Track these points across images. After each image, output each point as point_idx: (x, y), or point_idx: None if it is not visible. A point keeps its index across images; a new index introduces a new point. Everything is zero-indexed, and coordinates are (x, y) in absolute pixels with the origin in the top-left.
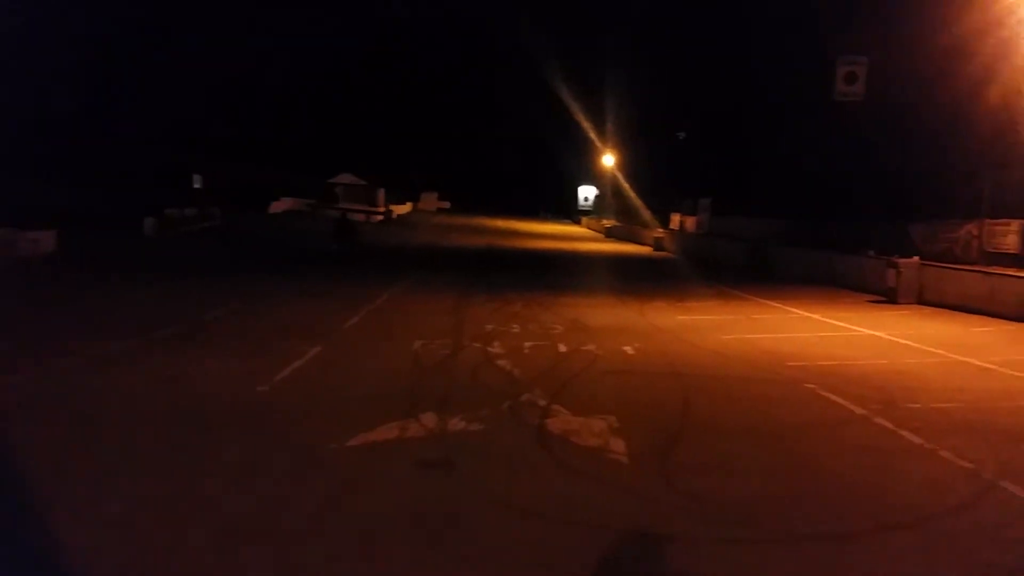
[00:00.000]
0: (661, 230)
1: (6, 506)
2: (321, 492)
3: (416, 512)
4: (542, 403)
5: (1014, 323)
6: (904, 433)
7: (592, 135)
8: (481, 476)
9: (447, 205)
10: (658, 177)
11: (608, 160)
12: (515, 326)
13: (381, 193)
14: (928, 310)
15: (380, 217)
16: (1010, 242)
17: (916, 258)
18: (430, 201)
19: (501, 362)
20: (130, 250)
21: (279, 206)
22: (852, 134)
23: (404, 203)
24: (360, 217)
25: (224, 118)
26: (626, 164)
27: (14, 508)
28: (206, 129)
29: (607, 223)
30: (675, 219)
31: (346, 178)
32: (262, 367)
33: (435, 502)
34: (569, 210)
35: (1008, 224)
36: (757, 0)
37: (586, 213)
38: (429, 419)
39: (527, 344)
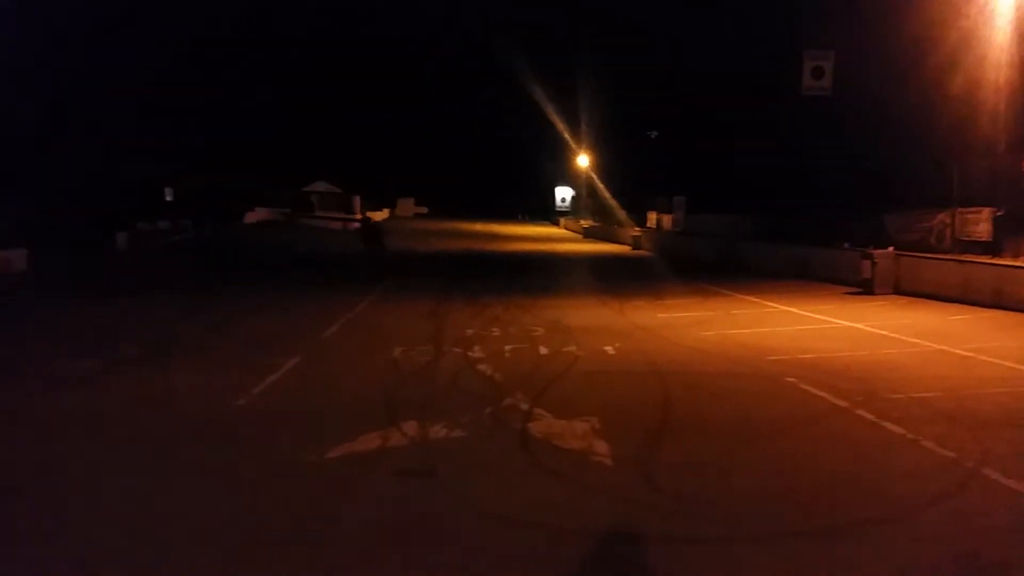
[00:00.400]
0: (638, 229)
1: None
2: (300, 505)
3: (396, 522)
4: (524, 407)
5: (989, 310)
6: (886, 424)
7: (567, 136)
8: (463, 483)
9: (425, 211)
10: (633, 176)
11: (583, 161)
12: (495, 329)
13: (357, 200)
14: (905, 300)
15: (357, 224)
16: (982, 230)
17: (891, 248)
18: (407, 207)
19: (482, 367)
20: (103, 267)
21: (253, 216)
22: (825, 127)
23: (381, 210)
24: (336, 225)
25: (194, 128)
26: (601, 164)
27: None
28: (176, 140)
29: (584, 223)
30: (652, 217)
31: (321, 186)
32: (239, 381)
33: (416, 511)
34: (547, 212)
35: (979, 212)
36: None
37: (564, 214)
38: (410, 427)
39: (508, 347)
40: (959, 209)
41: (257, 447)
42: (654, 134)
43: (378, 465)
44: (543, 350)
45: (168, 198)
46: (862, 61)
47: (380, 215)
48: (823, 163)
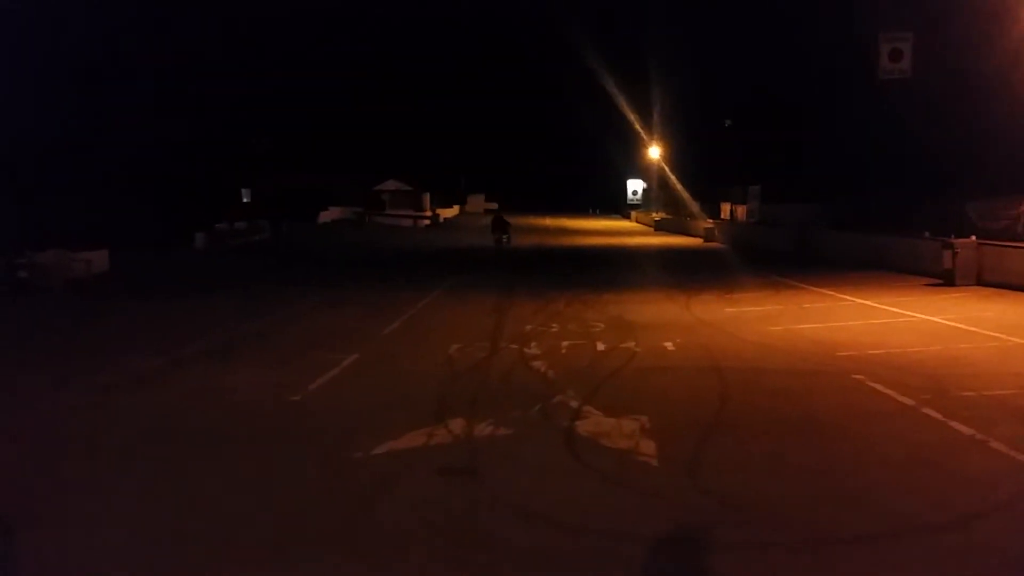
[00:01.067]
0: (710, 220)
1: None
2: (338, 501)
3: (433, 521)
4: (574, 404)
5: None
6: (953, 424)
7: (638, 127)
8: (503, 483)
9: (495, 206)
10: (706, 167)
11: (654, 152)
12: (555, 325)
13: (427, 197)
14: (987, 291)
15: (427, 221)
16: None
17: (973, 237)
18: (477, 203)
19: (537, 363)
20: (181, 266)
21: (327, 215)
22: (904, 111)
23: (451, 207)
24: (407, 223)
25: (268, 130)
26: (673, 156)
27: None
28: (250, 143)
29: (656, 216)
30: (725, 208)
31: (392, 184)
32: (296, 377)
33: (453, 511)
34: (618, 205)
35: None
36: None
37: (635, 207)
38: (457, 425)
39: (565, 344)
40: None
41: (305, 443)
42: (728, 123)
43: (420, 463)
44: (600, 346)
45: (245, 199)
46: (937, 41)
47: (450, 212)
48: (903, 149)
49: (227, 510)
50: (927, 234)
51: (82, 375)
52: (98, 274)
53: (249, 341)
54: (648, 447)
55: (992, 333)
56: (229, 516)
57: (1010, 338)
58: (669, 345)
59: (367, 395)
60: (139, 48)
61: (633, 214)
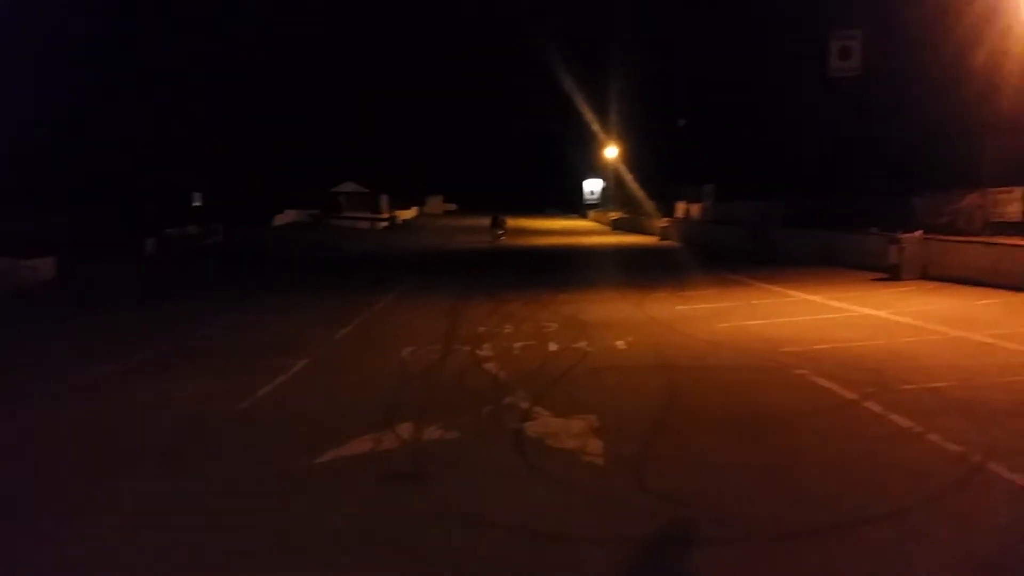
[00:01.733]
0: (666, 219)
1: None
2: (281, 511)
3: (375, 530)
4: (524, 406)
5: (1018, 293)
6: (894, 417)
7: (595, 128)
8: (450, 488)
9: (453, 207)
10: (662, 166)
11: (611, 152)
12: (508, 327)
13: (384, 199)
14: (932, 285)
15: (385, 223)
16: (1013, 210)
17: (919, 232)
18: (436, 204)
19: (489, 365)
20: (130, 272)
21: (282, 219)
22: (853, 109)
23: (409, 208)
24: (364, 225)
25: (221, 133)
26: (629, 155)
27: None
28: (203, 145)
29: (613, 215)
30: (680, 207)
31: (349, 186)
32: (243, 385)
33: (397, 518)
34: (576, 204)
35: (1011, 192)
36: None
37: (593, 206)
38: (405, 429)
39: (518, 345)
40: (989, 189)
41: (249, 451)
42: (682, 122)
43: (366, 469)
44: (553, 347)
45: (196, 203)
46: (887, 39)
47: (409, 213)
48: (853, 147)
49: (167, 523)
50: (874, 230)
51: (26, 385)
52: (45, 281)
53: (197, 348)
54: (596, 447)
55: (934, 327)
56: (168, 529)
57: (951, 331)
58: (621, 344)
59: (315, 401)
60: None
61: (591, 213)
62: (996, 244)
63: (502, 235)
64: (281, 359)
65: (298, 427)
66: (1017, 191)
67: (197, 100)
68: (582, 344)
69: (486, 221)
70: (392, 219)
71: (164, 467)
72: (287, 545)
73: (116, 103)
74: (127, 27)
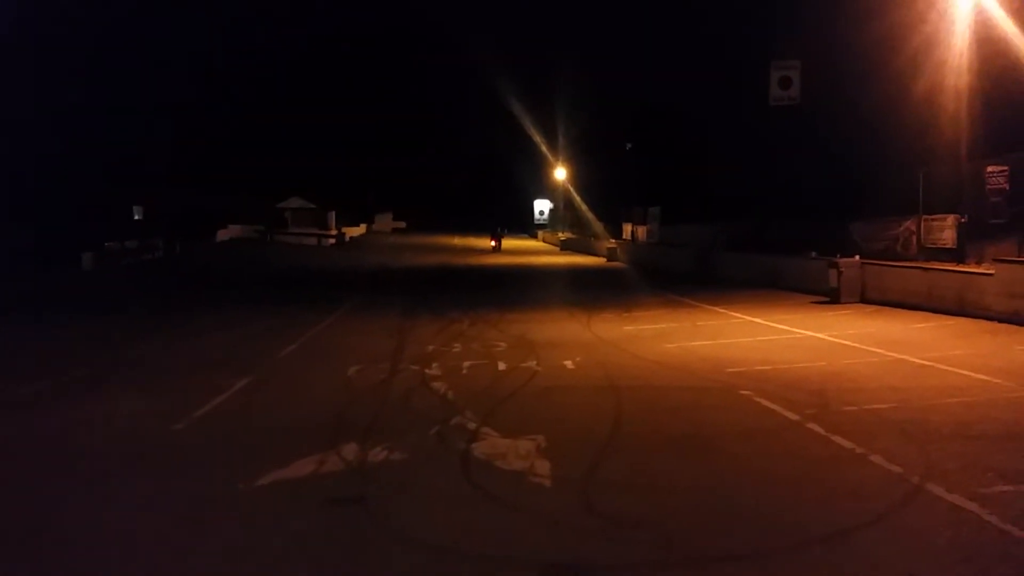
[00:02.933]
0: (613, 241)
1: None
2: (219, 537)
3: (318, 555)
4: (472, 426)
5: (953, 317)
6: (835, 438)
7: (544, 149)
8: (394, 511)
9: (403, 225)
10: (610, 188)
11: (560, 174)
12: (457, 345)
13: (332, 215)
14: (870, 308)
15: (332, 240)
16: (947, 237)
17: (857, 257)
18: (385, 222)
19: (437, 384)
20: (66, 287)
21: (225, 234)
22: (797, 136)
23: (358, 225)
24: (311, 241)
25: (165, 146)
26: (578, 176)
27: None
28: (146, 159)
29: (562, 236)
30: (627, 229)
31: (295, 202)
32: (181, 404)
33: (340, 542)
34: (526, 225)
35: (944, 219)
36: (694, 10)
37: (542, 227)
38: (349, 451)
39: (467, 364)
40: (924, 216)
41: (184, 474)
42: (629, 146)
43: (307, 493)
44: (502, 366)
45: (137, 217)
46: (831, 68)
47: (357, 231)
48: (796, 172)
49: (92, 551)
50: (814, 254)
51: None
52: None
53: (133, 366)
54: (543, 467)
55: (873, 348)
56: (98, 560)
57: (889, 353)
58: (569, 363)
59: (256, 422)
60: (23, 57)
61: (540, 234)
62: (931, 269)
63: (496, 246)
64: (221, 377)
65: (237, 448)
66: (950, 218)
67: (139, 113)
68: (531, 363)
69: (436, 239)
70: (340, 236)
71: (93, 489)
72: (223, 572)
73: (55, 115)
74: (66, 39)
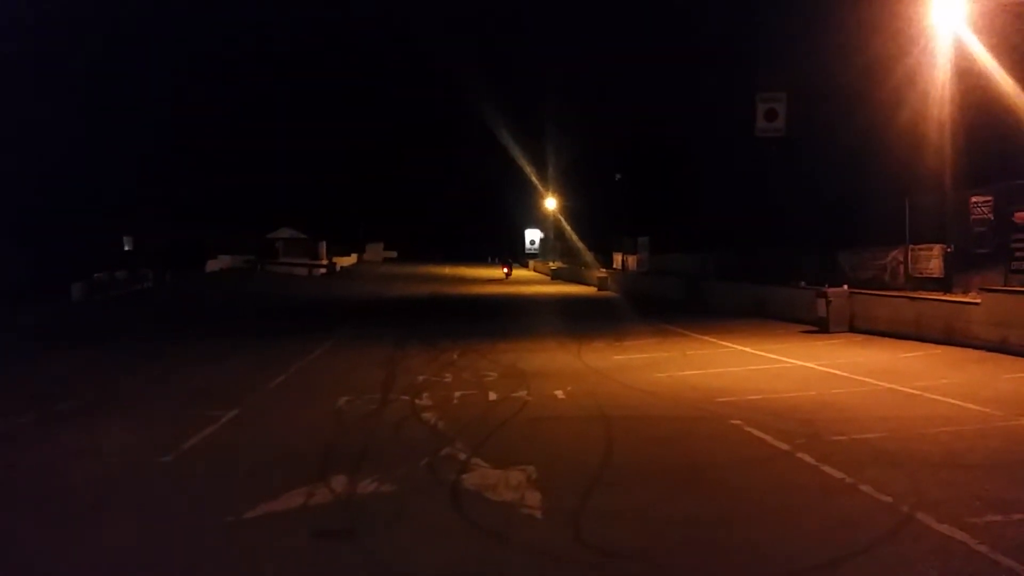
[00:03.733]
0: (604, 270)
1: None
2: (206, 570)
3: None
4: (462, 457)
5: (941, 347)
6: (826, 468)
7: (535, 179)
8: (383, 544)
9: (394, 255)
10: (600, 218)
11: (550, 203)
12: (448, 375)
13: (323, 246)
14: (859, 338)
15: (323, 270)
16: (934, 266)
17: (845, 286)
18: (376, 252)
19: (427, 415)
20: (55, 318)
21: (215, 264)
22: (785, 166)
23: (349, 255)
24: (302, 271)
25: (157, 177)
26: (569, 206)
27: None
28: (138, 189)
29: (553, 265)
30: (617, 258)
31: (286, 232)
32: (170, 436)
33: (327, 575)
34: (517, 254)
35: (931, 249)
36: (682, 42)
37: (533, 256)
38: (339, 483)
39: (458, 394)
40: (911, 246)
41: (174, 505)
42: (618, 176)
43: (296, 525)
44: (492, 396)
45: (127, 247)
46: (818, 99)
47: (348, 260)
48: (785, 201)
49: None
50: (803, 283)
51: None
52: None
53: (123, 397)
54: (534, 499)
55: (862, 378)
56: None
57: (878, 383)
58: (560, 393)
59: (245, 453)
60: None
61: (531, 263)
62: (919, 299)
63: (508, 274)
64: (211, 409)
65: (226, 480)
66: (937, 248)
67: (129, 142)
68: (522, 393)
69: (427, 269)
70: (331, 266)
71: (83, 521)
72: None
73: (44, 143)
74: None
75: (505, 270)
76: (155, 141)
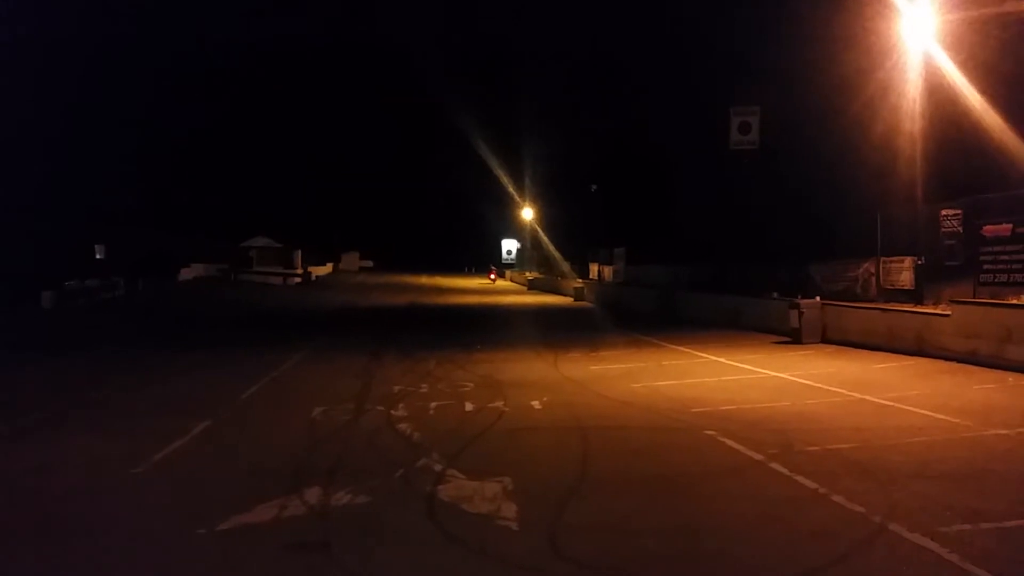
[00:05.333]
0: (580, 280)
1: None
2: None
3: None
4: (438, 468)
5: (912, 358)
6: (798, 478)
7: (511, 189)
8: (357, 557)
9: (370, 264)
10: (576, 228)
11: (527, 214)
12: (424, 386)
13: (298, 255)
14: (831, 349)
15: (298, 279)
16: (905, 278)
17: (817, 298)
18: (352, 261)
19: (403, 426)
20: (23, 326)
21: (188, 272)
22: (759, 179)
23: (324, 264)
24: (276, 280)
25: (129, 185)
26: (545, 217)
27: None
28: (109, 197)
29: (529, 275)
30: (593, 269)
31: (260, 241)
32: (140, 447)
33: None
34: (494, 264)
35: (902, 261)
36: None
37: (510, 266)
38: (313, 494)
39: (434, 404)
40: (883, 258)
41: (144, 518)
42: (594, 187)
43: (269, 538)
44: (469, 406)
45: (99, 255)
46: (790, 113)
47: (323, 270)
48: (759, 214)
49: None
50: (776, 295)
51: None
52: None
53: (91, 408)
54: (510, 510)
55: (835, 388)
56: None
57: (851, 393)
58: (536, 404)
59: (216, 465)
60: None
61: (508, 273)
62: (890, 310)
63: (494, 279)
64: (181, 420)
65: (197, 493)
66: (908, 260)
67: (102, 150)
68: (498, 404)
69: (404, 278)
70: (306, 275)
71: (51, 535)
72: None
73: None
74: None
75: (492, 276)
76: (128, 149)
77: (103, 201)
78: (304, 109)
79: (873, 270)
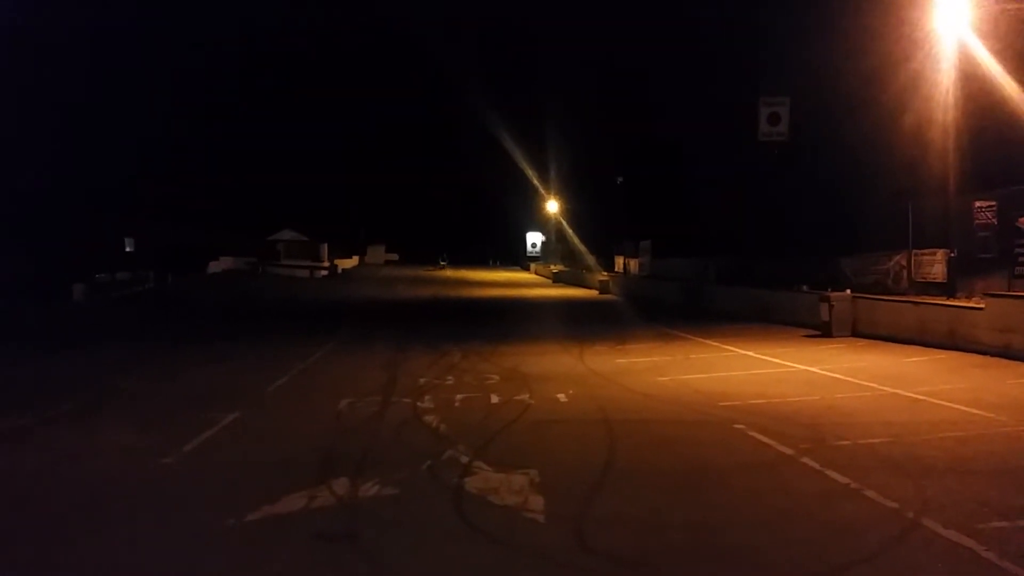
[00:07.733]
0: (605, 273)
1: None
2: (206, 572)
3: None
4: (464, 460)
5: (944, 351)
6: (830, 473)
7: (536, 182)
8: (384, 548)
9: (395, 257)
10: (602, 221)
11: (552, 206)
12: (450, 378)
13: (324, 248)
14: (862, 342)
15: (325, 272)
16: (937, 271)
17: (848, 291)
18: (377, 254)
19: (429, 417)
20: (56, 318)
21: (217, 265)
22: (788, 170)
23: (350, 257)
24: (303, 273)
25: (158, 178)
26: (570, 209)
27: None
28: (139, 190)
29: (554, 268)
30: (619, 262)
31: (287, 234)
32: (171, 438)
33: None
34: (518, 256)
35: (934, 253)
36: (686, 47)
37: (535, 259)
38: (340, 485)
39: (459, 396)
40: (914, 251)
41: (174, 508)
42: (620, 179)
43: (298, 528)
44: (495, 399)
45: (129, 248)
46: (820, 104)
47: (349, 262)
48: (787, 206)
49: None
50: (805, 288)
51: None
52: None
53: (123, 399)
54: (536, 503)
55: (865, 383)
56: None
57: (882, 387)
58: (562, 397)
59: (245, 456)
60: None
61: (532, 266)
62: (922, 303)
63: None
64: (211, 411)
65: (226, 483)
66: (940, 253)
67: (133, 143)
68: (524, 396)
69: (429, 272)
70: (333, 268)
71: (83, 525)
72: None
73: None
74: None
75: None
76: (157, 142)
77: (133, 195)
78: (333, 103)
79: (904, 263)
